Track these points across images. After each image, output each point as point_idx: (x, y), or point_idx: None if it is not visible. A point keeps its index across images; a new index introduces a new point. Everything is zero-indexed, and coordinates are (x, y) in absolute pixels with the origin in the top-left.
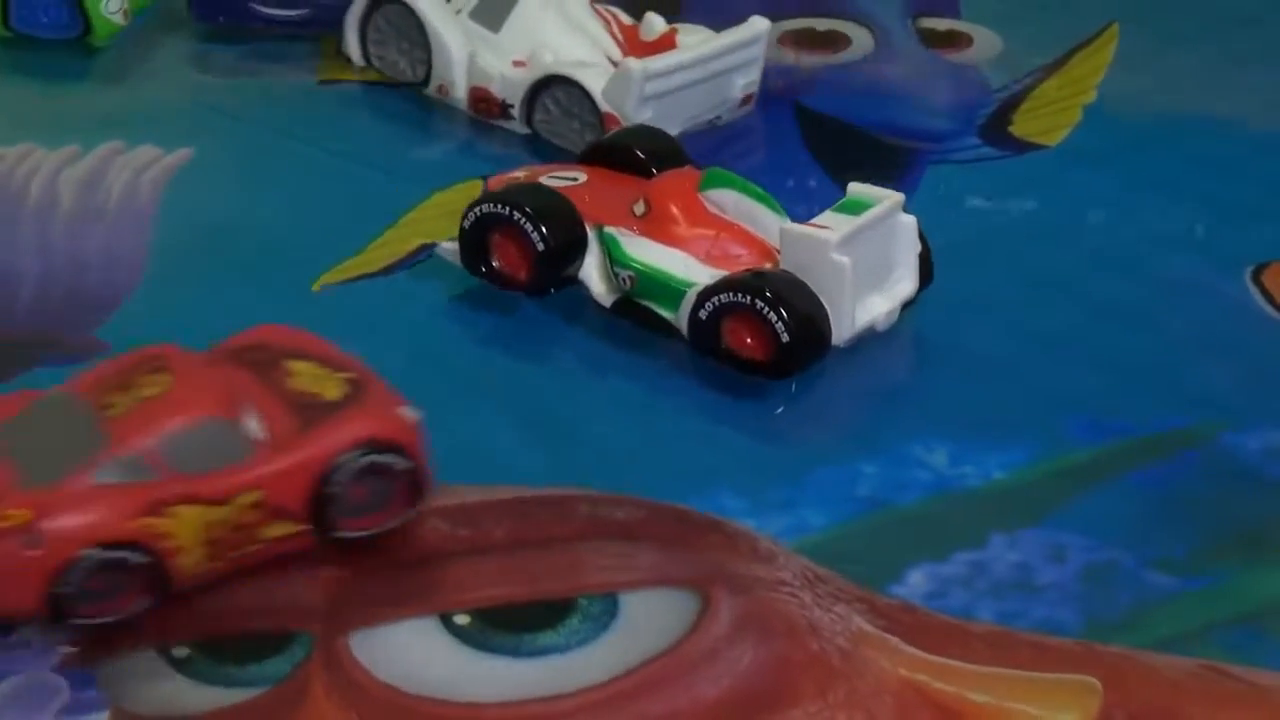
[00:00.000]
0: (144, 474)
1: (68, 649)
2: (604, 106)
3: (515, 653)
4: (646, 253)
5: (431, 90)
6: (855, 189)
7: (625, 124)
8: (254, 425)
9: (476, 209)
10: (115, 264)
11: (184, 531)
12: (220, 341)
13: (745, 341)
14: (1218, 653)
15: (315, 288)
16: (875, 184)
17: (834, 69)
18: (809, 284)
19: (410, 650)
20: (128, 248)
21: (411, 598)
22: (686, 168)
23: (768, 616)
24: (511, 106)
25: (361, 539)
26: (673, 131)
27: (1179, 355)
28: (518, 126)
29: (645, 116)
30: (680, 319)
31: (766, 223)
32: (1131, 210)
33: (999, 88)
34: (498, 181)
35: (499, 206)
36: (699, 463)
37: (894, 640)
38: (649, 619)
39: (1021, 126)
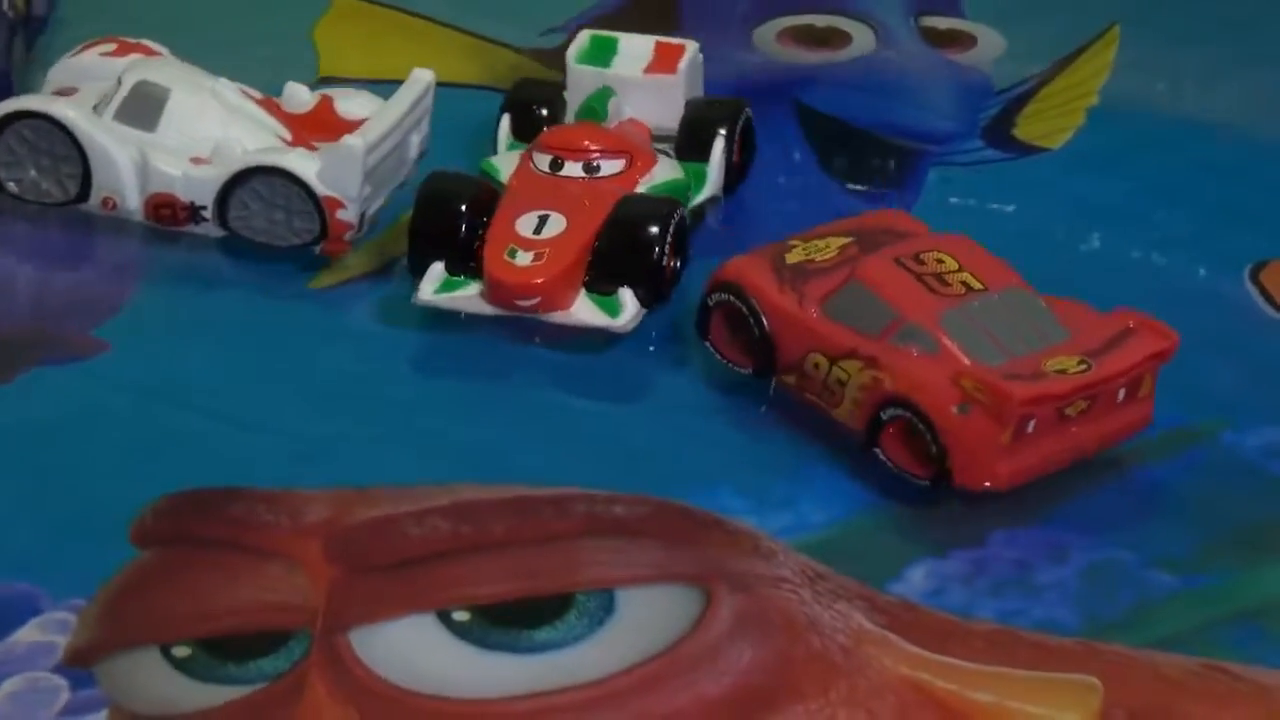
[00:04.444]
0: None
1: (67, 649)
2: (322, 191)
3: (514, 649)
4: None
5: (93, 205)
6: None
7: (348, 204)
8: None
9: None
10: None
11: None
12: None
13: None
14: (1218, 651)
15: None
16: (875, 185)
17: (834, 67)
18: None
19: (410, 647)
20: None
21: (411, 595)
22: None
23: (769, 613)
24: (203, 209)
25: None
26: (377, 205)
27: (1179, 355)
28: (211, 229)
29: (366, 194)
30: None
31: None
32: (1132, 211)
33: (1002, 88)
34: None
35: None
36: (700, 460)
37: (894, 638)
38: (650, 615)
39: (1025, 129)
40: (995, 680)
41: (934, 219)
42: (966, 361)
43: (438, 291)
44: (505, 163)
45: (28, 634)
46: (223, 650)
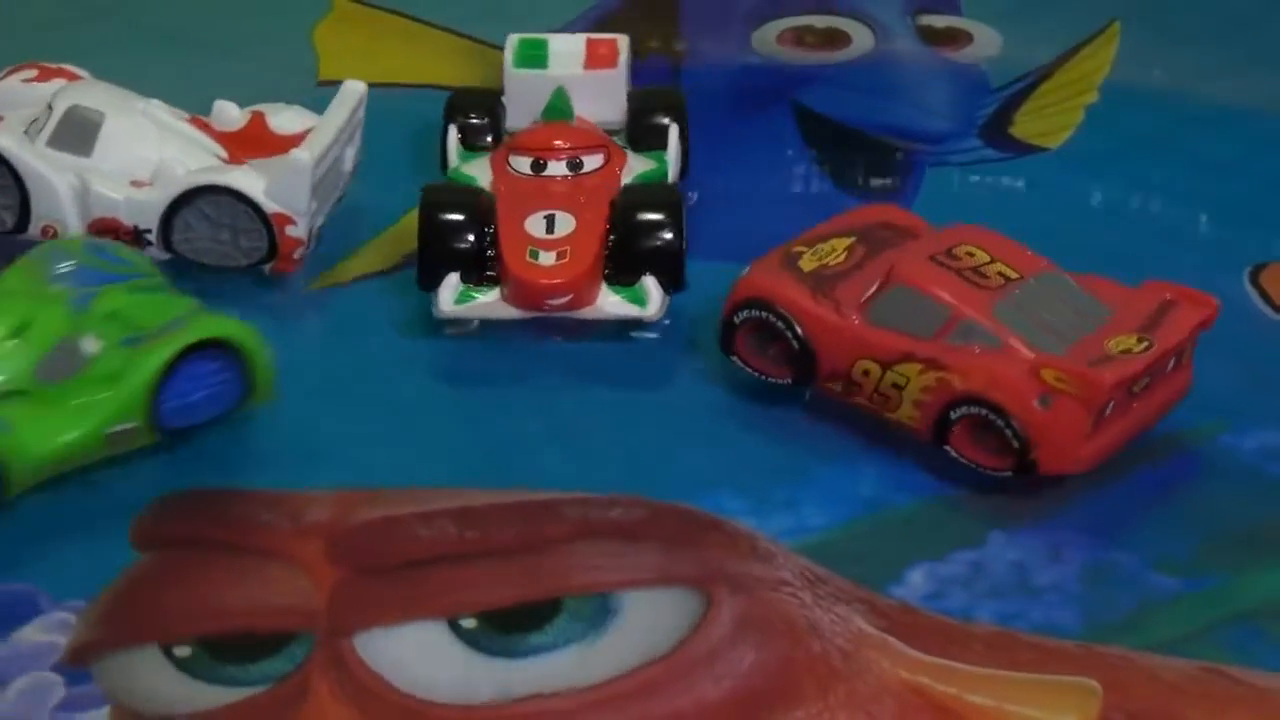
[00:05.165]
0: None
1: (67, 648)
2: (271, 207)
3: (514, 653)
4: None
5: (34, 234)
6: None
7: (298, 220)
8: None
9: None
10: None
11: None
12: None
13: None
14: (1218, 654)
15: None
16: (875, 185)
17: (833, 67)
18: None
19: (415, 652)
20: None
21: (416, 600)
22: None
23: (769, 617)
24: (148, 232)
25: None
26: (319, 222)
27: None
28: (156, 252)
29: (314, 208)
30: None
31: None
32: (1131, 211)
33: (999, 86)
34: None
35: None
36: (700, 462)
37: (894, 641)
38: (650, 619)
39: (1023, 128)
40: (994, 683)
41: (932, 218)
42: (1031, 353)
43: (458, 302)
44: (476, 169)
45: (29, 634)
46: (224, 651)
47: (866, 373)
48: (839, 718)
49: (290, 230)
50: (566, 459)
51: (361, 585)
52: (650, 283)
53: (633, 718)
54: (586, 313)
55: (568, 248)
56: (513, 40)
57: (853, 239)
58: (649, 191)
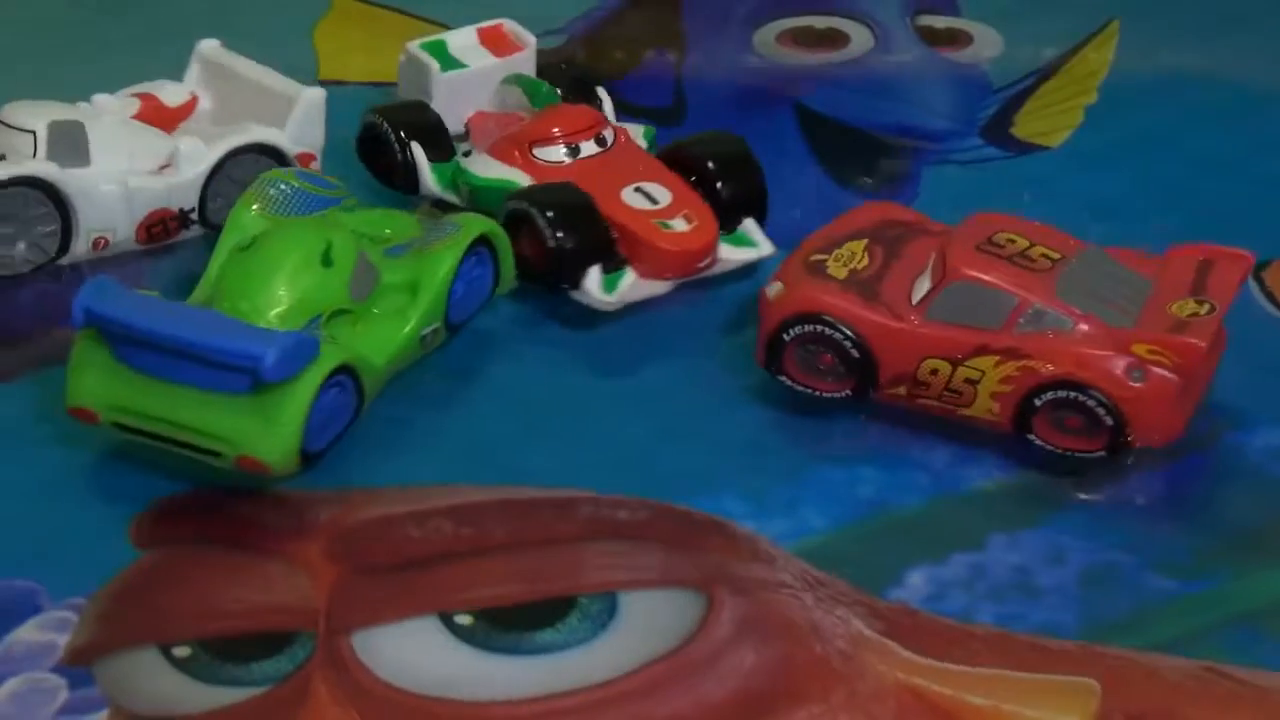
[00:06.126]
0: None
1: (67, 648)
2: (294, 150)
3: (516, 651)
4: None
5: (80, 253)
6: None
7: (317, 156)
8: None
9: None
10: None
11: None
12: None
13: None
14: (1218, 654)
15: None
16: (875, 184)
17: (833, 67)
18: None
19: (412, 650)
20: None
21: (413, 597)
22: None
23: (770, 618)
24: (191, 212)
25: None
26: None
27: None
28: (196, 231)
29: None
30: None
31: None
32: (1132, 209)
33: (1000, 86)
34: None
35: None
36: (701, 465)
37: (894, 643)
38: (652, 619)
39: (1023, 128)
40: (994, 684)
41: (935, 217)
42: (1110, 330)
43: (608, 290)
44: (486, 168)
45: (28, 633)
46: (224, 651)
47: (935, 372)
48: (839, 718)
49: (313, 166)
50: (568, 461)
51: (361, 584)
52: (751, 224)
53: (635, 717)
54: (716, 268)
55: (686, 210)
56: (414, 49)
57: (865, 240)
58: (719, 144)
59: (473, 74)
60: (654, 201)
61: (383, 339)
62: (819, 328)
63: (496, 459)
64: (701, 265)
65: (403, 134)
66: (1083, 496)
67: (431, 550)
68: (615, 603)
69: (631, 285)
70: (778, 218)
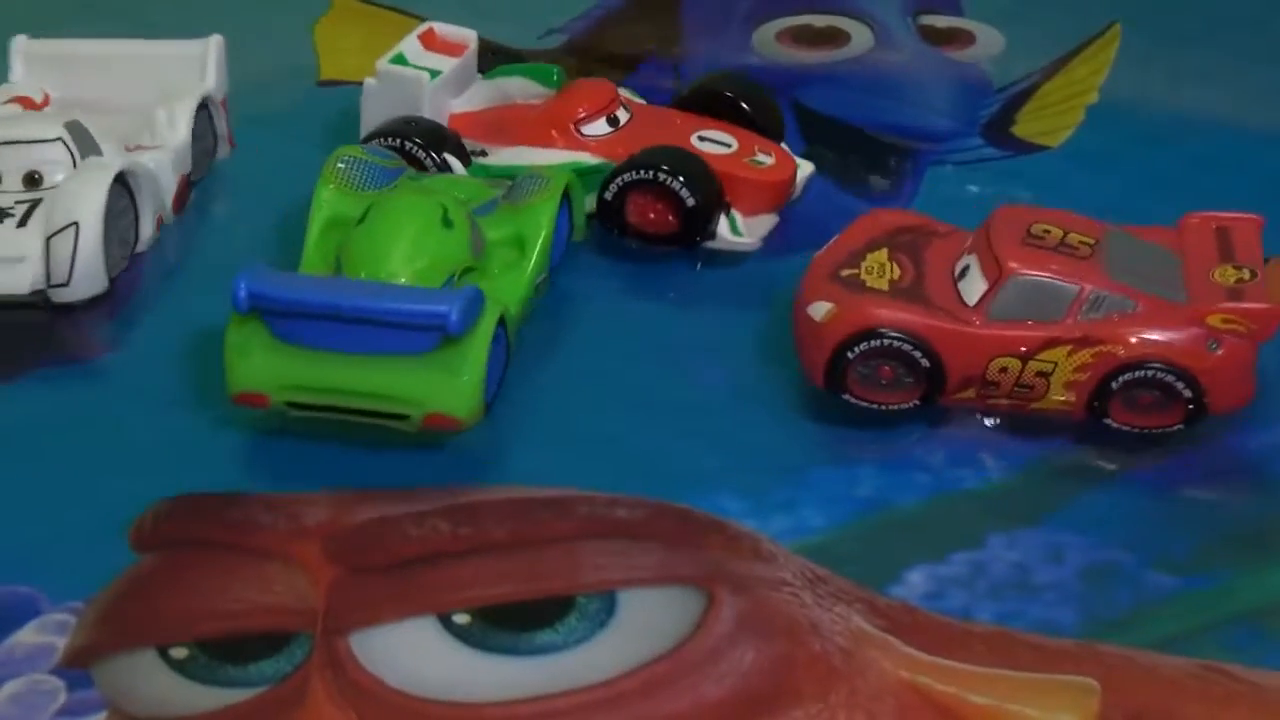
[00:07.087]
0: None
1: (65, 650)
2: (219, 96)
3: (514, 651)
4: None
5: (146, 237)
6: None
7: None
8: None
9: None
10: None
11: None
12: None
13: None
14: (1217, 652)
15: None
16: (876, 184)
17: (833, 66)
18: None
19: (410, 650)
20: None
21: (411, 597)
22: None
23: (770, 616)
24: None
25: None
26: None
27: None
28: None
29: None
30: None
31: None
32: (1132, 209)
33: (1001, 86)
34: None
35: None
36: (701, 463)
37: (894, 641)
38: (651, 618)
39: (1024, 127)
40: (994, 682)
41: (935, 217)
42: (1166, 304)
43: (736, 232)
44: (534, 157)
45: (27, 636)
46: (222, 652)
47: (1005, 370)
48: (839, 717)
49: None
50: (567, 460)
51: (358, 584)
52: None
53: (635, 716)
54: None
55: (757, 145)
56: (383, 65)
57: (885, 249)
58: (748, 86)
59: (448, 78)
60: (727, 146)
61: (509, 288)
62: (884, 342)
63: (494, 458)
64: (792, 194)
65: (432, 151)
66: (1082, 495)
67: (429, 550)
68: (614, 601)
69: (754, 222)
70: (778, 221)
